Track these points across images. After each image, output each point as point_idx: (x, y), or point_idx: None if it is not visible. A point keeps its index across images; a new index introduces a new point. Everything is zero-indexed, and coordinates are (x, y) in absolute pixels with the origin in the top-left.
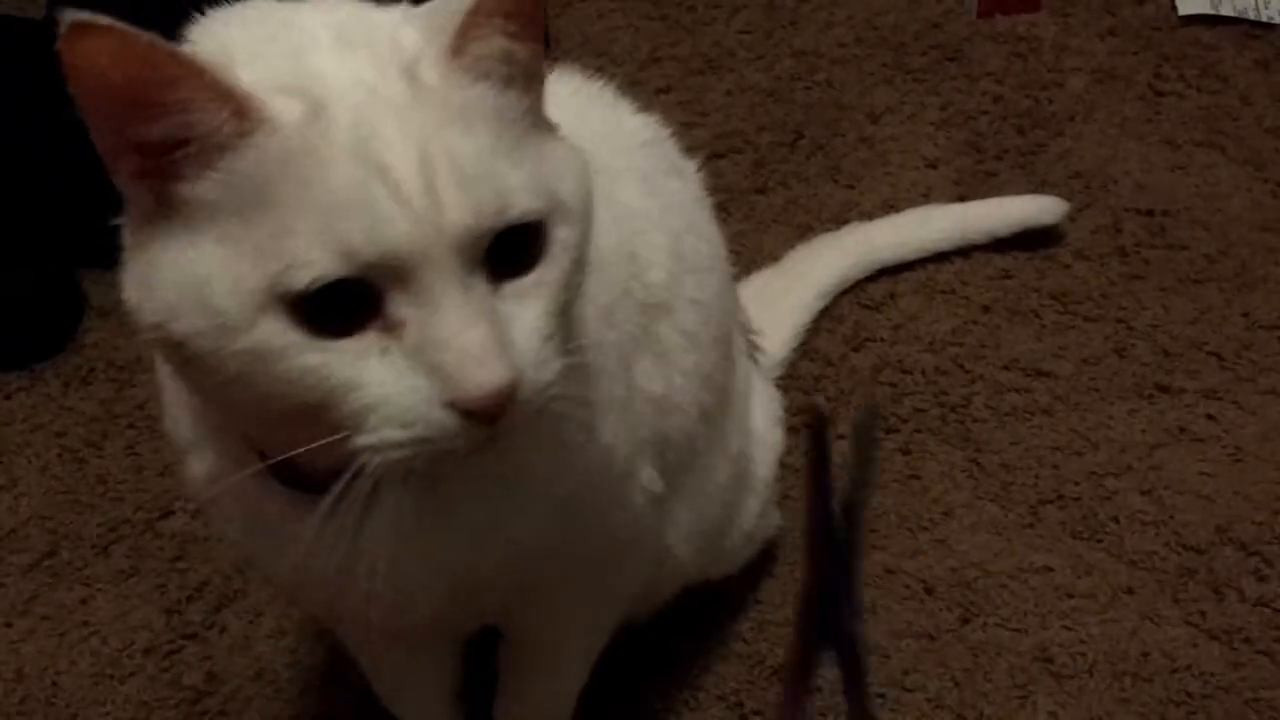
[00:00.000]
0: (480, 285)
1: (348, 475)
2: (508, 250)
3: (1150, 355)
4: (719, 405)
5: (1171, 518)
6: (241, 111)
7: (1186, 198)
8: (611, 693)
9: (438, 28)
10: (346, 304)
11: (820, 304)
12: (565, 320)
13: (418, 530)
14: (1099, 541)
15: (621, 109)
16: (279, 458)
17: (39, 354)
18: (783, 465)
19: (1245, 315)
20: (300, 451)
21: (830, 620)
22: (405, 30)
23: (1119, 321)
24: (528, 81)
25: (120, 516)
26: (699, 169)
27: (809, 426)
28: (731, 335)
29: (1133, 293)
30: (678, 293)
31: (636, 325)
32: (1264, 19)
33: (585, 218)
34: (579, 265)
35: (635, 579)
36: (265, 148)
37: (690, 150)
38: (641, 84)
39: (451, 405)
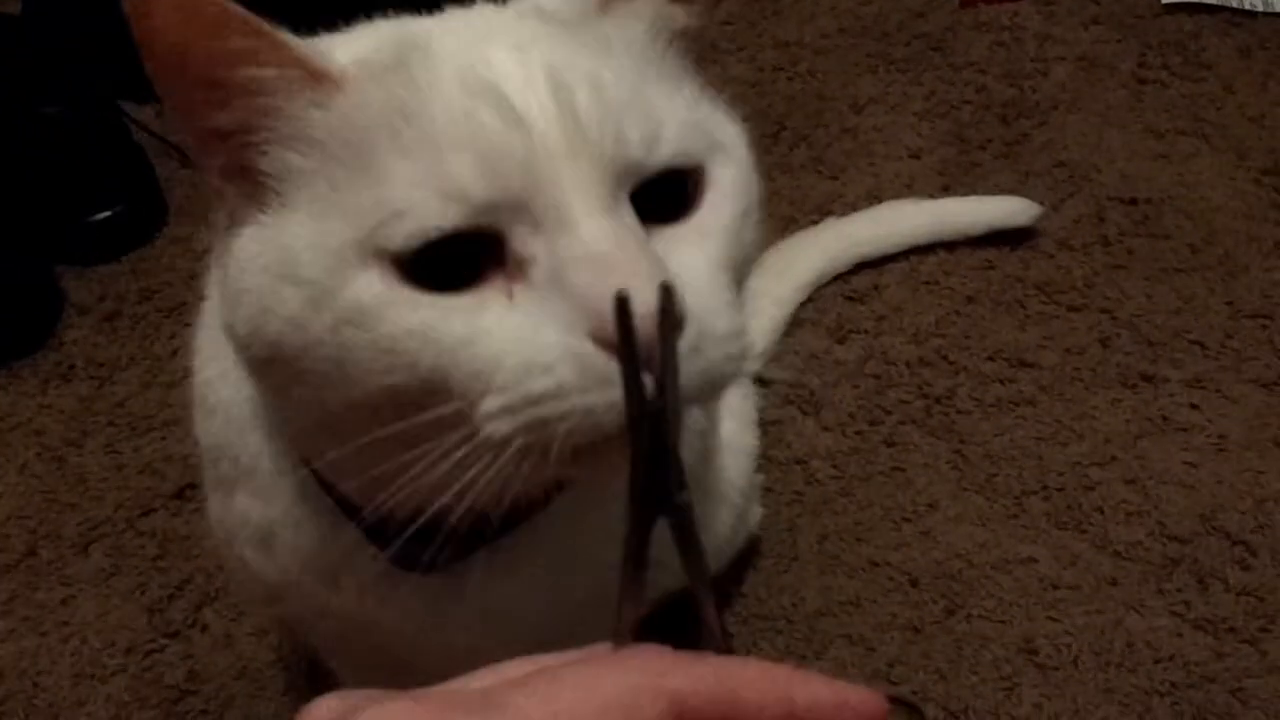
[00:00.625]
0: (628, 215)
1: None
2: (663, 200)
3: (1134, 345)
4: (711, 435)
5: (1156, 507)
6: (319, 75)
7: (1170, 186)
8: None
9: None
10: (461, 257)
11: (801, 297)
12: (738, 281)
13: (533, 578)
14: (1083, 532)
15: None
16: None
17: (16, 352)
18: (767, 458)
19: (1229, 304)
20: (397, 491)
21: (658, 491)
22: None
23: (1103, 311)
24: (679, 39)
25: (100, 515)
26: None
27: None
28: None
29: (1116, 282)
30: None
31: None
32: (1246, 6)
33: (750, 169)
34: (748, 216)
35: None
36: (347, 107)
37: None
38: None
39: (598, 332)
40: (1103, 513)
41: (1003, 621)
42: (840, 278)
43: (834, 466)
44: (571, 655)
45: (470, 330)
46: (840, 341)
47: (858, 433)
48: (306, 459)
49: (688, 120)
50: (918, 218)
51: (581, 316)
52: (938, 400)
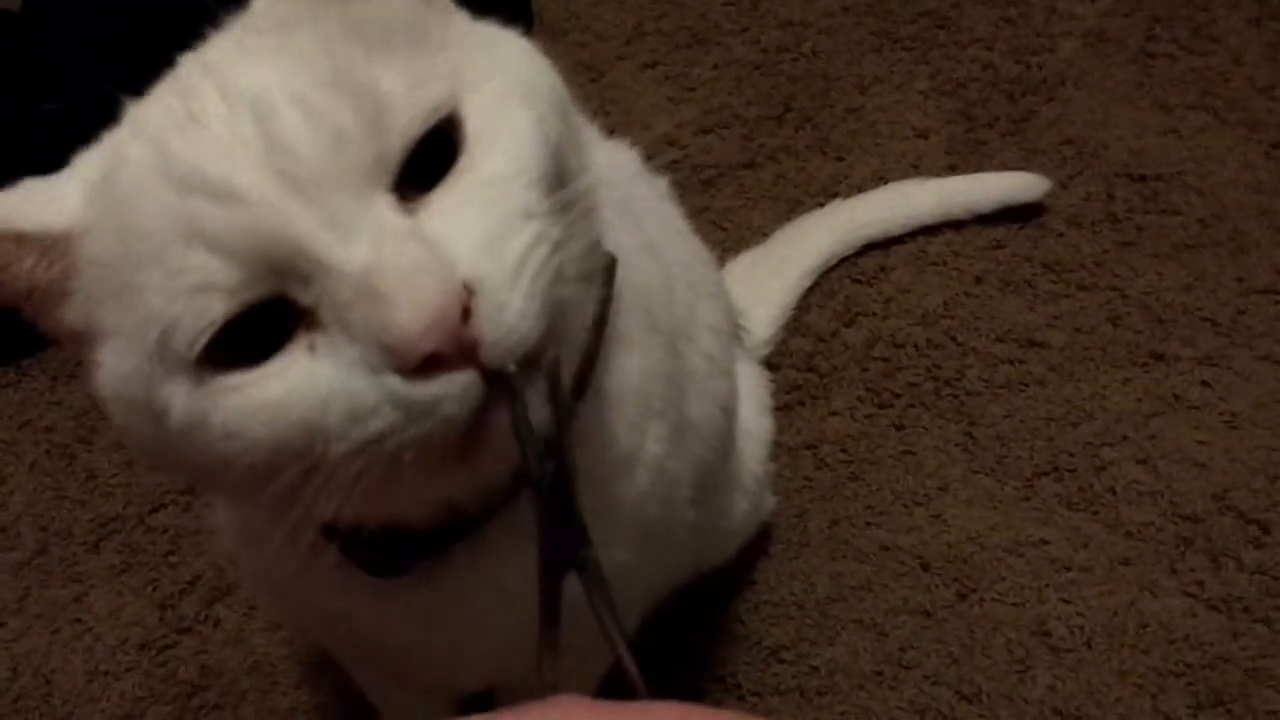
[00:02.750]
0: (382, 214)
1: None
2: (439, 157)
3: (1144, 323)
4: (731, 429)
5: (1168, 487)
6: (48, 243)
7: (1179, 162)
8: (607, 677)
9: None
10: (261, 325)
11: (807, 282)
12: (558, 184)
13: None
14: (1095, 513)
15: (609, 143)
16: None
17: (25, 349)
18: (776, 444)
19: (1239, 280)
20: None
21: (565, 549)
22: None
23: (1112, 290)
24: None
25: (111, 512)
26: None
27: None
28: (734, 360)
29: (1126, 260)
30: (697, 320)
31: (680, 354)
32: None
33: (529, 65)
34: (539, 119)
35: (641, 607)
36: (87, 249)
37: (678, 126)
38: (627, 59)
39: (399, 365)
40: (1114, 493)
41: (1015, 604)
42: (847, 260)
43: (844, 451)
44: (504, 714)
45: (287, 392)
46: (848, 324)
47: (867, 416)
48: None
49: (422, 75)
50: (925, 197)
51: (378, 355)
52: (947, 382)
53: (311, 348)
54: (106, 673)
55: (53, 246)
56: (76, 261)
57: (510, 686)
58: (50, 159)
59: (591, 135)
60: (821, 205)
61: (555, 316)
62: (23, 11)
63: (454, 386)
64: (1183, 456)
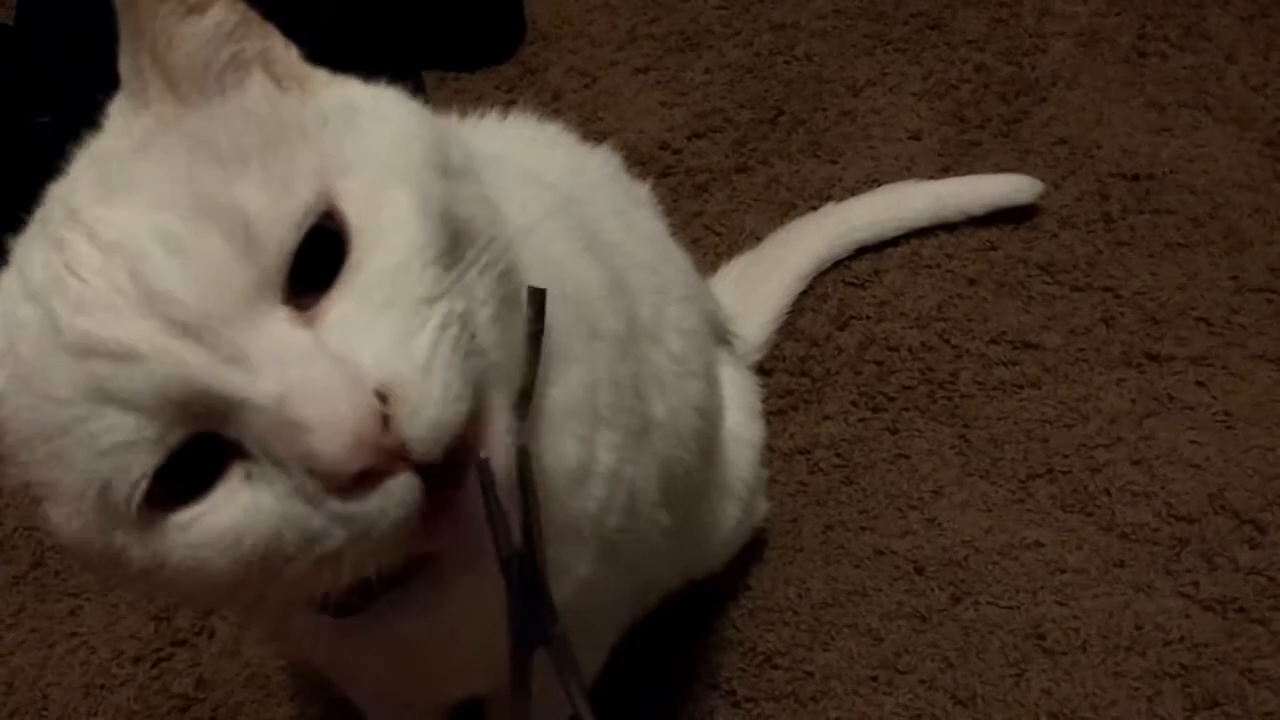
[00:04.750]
0: (280, 336)
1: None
2: (327, 252)
3: (1138, 323)
4: (712, 433)
5: (1163, 488)
6: None
7: (1172, 161)
8: (604, 685)
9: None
10: (196, 461)
11: (800, 286)
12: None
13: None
14: (1090, 515)
15: (580, 148)
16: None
17: None
18: (770, 449)
19: (1234, 278)
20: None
21: (534, 626)
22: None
23: (1106, 290)
24: (231, 70)
25: None
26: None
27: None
28: (713, 364)
29: (1120, 260)
30: (664, 323)
31: (641, 356)
32: None
33: (405, 119)
34: (410, 203)
35: (625, 616)
36: (2, 415)
37: (671, 130)
38: (620, 64)
39: (332, 487)
40: (1109, 494)
41: (1010, 607)
42: (841, 263)
43: (837, 455)
44: None
45: (236, 523)
46: (842, 328)
47: (861, 420)
48: None
49: (285, 181)
50: (918, 200)
51: (311, 480)
52: (941, 385)
53: (248, 476)
54: (102, 686)
55: None
56: (2, 426)
57: (498, 694)
58: (45, 172)
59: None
60: (814, 208)
61: (480, 381)
62: (15, 24)
63: (393, 493)
64: (1177, 457)
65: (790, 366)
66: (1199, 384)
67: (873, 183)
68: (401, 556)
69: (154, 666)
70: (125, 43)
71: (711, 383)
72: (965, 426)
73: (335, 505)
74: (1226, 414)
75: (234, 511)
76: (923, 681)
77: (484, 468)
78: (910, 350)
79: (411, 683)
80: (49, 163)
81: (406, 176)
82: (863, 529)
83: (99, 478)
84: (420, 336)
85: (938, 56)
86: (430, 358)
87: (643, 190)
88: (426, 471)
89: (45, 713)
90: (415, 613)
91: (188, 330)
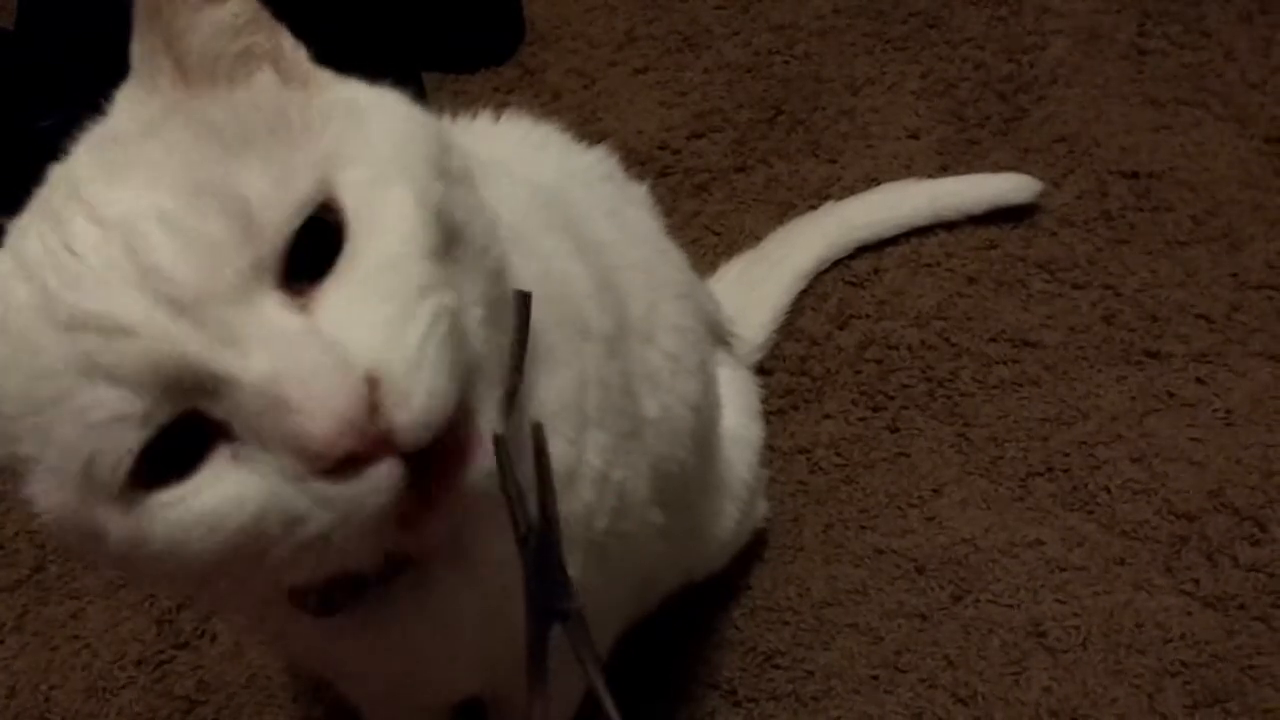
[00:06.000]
0: (273, 319)
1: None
2: (322, 241)
3: (1138, 321)
4: (707, 432)
5: (1163, 485)
6: None
7: (1171, 158)
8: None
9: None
10: (180, 441)
11: (800, 285)
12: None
13: (482, 607)
14: (1090, 512)
15: (573, 148)
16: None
17: None
18: (770, 449)
19: (1233, 276)
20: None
21: (551, 603)
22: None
23: (1106, 288)
24: (242, 63)
25: None
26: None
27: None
28: (709, 362)
29: (1119, 258)
30: (657, 320)
31: (631, 355)
32: None
33: (402, 120)
34: (408, 199)
35: (621, 618)
36: None
37: (670, 130)
38: (620, 65)
39: (318, 469)
40: (1109, 492)
41: (1010, 605)
42: (840, 263)
43: (838, 454)
44: None
45: (220, 504)
46: (841, 327)
47: (861, 419)
48: None
49: (287, 170)
50: (917, 199)
51: (296, 461)
52: (941, 384)
53: (234, 456)
54: (104, 689)
55: None
56: None
57: (497, 695)
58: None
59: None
60: (814, 208)
61: (467, 375)
62: (16, 27)
63: (378, 478)
64: (1178, 454)
65: (790, 366)
66: (1199, 381)
67: (872, 182)
68: (381, 554)
69: (156, 669)
70: (139, 28)
71: (707, 380)
72: (965, 425)
73: (319, 488)
74: (1227, 411)
75: (218, 492)
76: (923, 680)
77: (500, 443)
78: (910, 349)
79: (405, 684)
80: (51, 166)
81: (406, 173)
82: (863, 528)
83: (84, 452)
84: (412, 327)
85: (937, 55)
86: (421, 348)
87: (638, 190)
88: (411, 462)
89: (48, 716)
90: (402, 613)
91: (182, 308)
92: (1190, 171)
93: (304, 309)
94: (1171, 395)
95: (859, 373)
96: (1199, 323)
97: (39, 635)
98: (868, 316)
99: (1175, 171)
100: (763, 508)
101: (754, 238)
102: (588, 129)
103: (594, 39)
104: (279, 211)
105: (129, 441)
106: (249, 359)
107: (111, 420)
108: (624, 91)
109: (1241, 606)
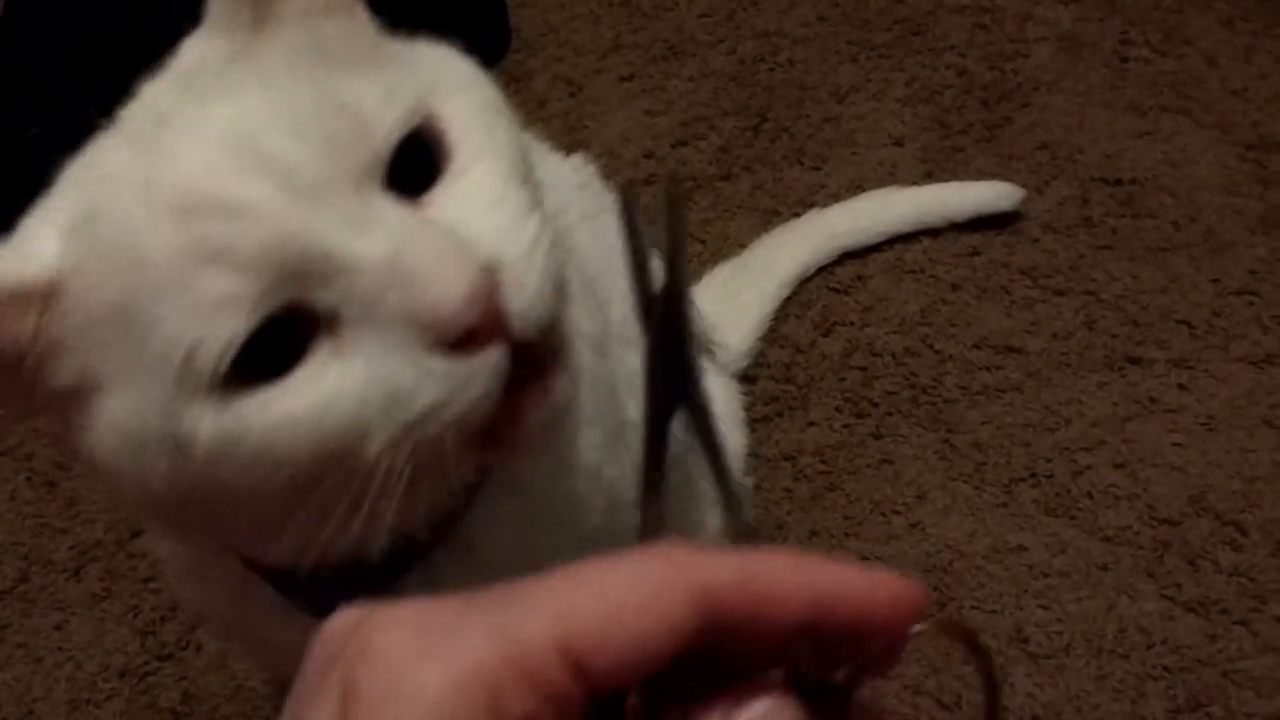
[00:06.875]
0: (389, 211)
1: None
2: (420, 164)
3: (1120, 327)
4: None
5: (1145, 490)
6: (24, 296)
7: (1153, 165)
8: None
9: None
10: (275, 344)
11: (785, 292)
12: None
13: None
14: (1073, 518)
15: (551, 156)
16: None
17: None
18: (754, 456)
19: (1215, 282)
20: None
21: (674, 381)
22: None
23: (1088, 294)
24: (336, 8)
25: (91, 539)
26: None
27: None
28: None
29: (1101, 264)
30: (634, 325)
31: (613, 357)
32: None
33: (475, 73)
34: (498, 122)
35: None
36: (77, 297)
37: (655, 138)
38: (605, 72)
39: (437, 342)
40: (1092, 498)
41: (994, 611)
42: (824, 269)
43: (822, 461)
44: (602, 560)
45: (322, 396)
46: (826, 334)
47: (845, 426)
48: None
49: (392, 83)
50: (900, 206)
51: (413, 334)
52: (924, 390)
53: (337, 350)
54: (88, 701)
55: (44, 300)
56: (67, 312)
57: None
58: (33, 185)
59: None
60: (799, 215)
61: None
62: (0, 35)
63: (488, 361)
64: (1159, 460)
65: (775, 373)
66: (1181, 387)
67: (856, 189)
68: (470, 459)
69: (140, 681)
70: None
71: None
72: (949, 431)
73: (433, 363)
74: (1208, 417)
75: (323, 384)
76: (908, 686)
77: (629, 191)
78: (894, 356)
79: None
80: (36, 176)
81: (501, 111)
82: (847, 535)
83: (189, 341)
84: (524, 231)
85: (920, 62)
86: (534, 248)
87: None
88: (515, 354)
89: None
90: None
91: (302, 193)
92: (1172, 178)
93: (415, 209)
94: (1153, 401)
95: (843, 379)
96: (1180, 328)
97: (22, 647)
98: (852, 323)
99: (1157, 178)
100: (747, 516)
101: (739, 245)
102: (573, 137)
103: (580, 46)
104: (388, 117)
105: (237, 326)
106: (371, 239)
107: (222, 302)
108: (609, 99)
109: (1223, 611)
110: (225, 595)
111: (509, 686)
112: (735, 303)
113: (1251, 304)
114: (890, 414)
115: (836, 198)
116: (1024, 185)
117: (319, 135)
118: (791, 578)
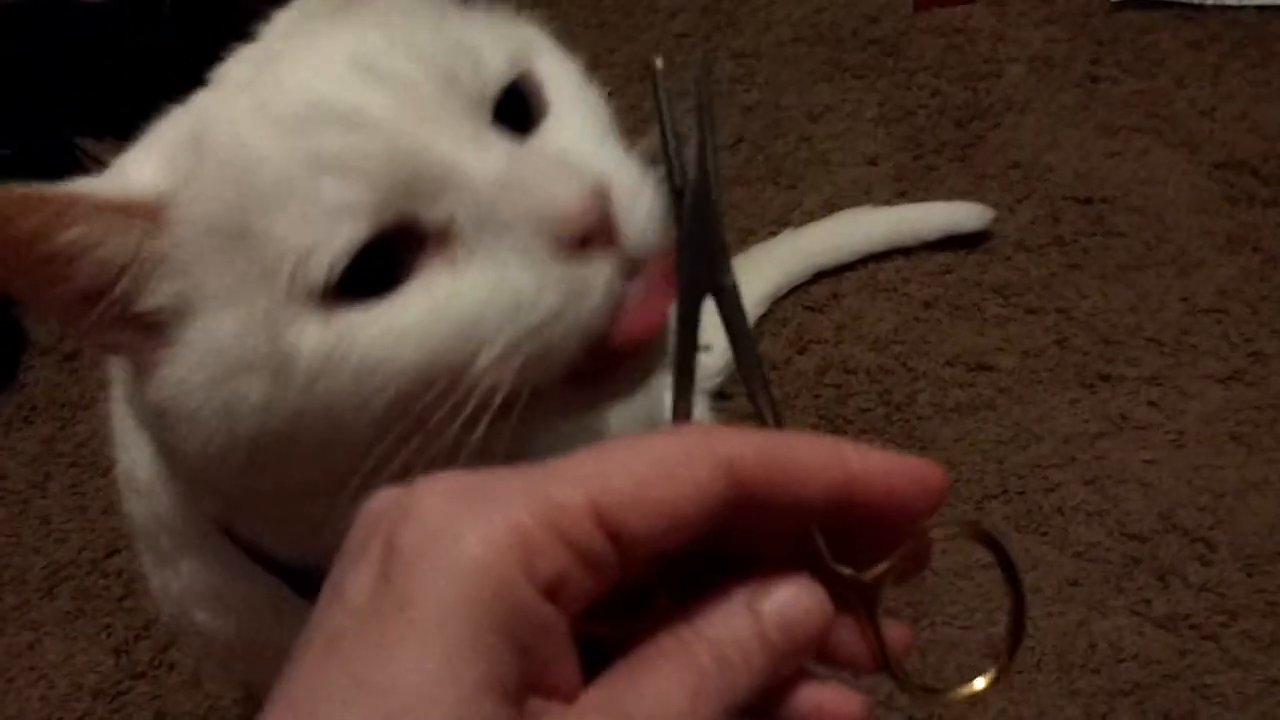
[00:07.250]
0: (503, 139)
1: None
2: (516, 115)
3: (1091, 345)
4: None
5: (1115, 507)
6: (135, 210)
7: (1123, 184)
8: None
9: None
10: (380, 264)
11: (760, 310)
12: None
13: None
14: (1044, 534)
15: None
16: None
17: None
18: None
19: (1184, 300)
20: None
21: (704, 271)
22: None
23: (1059, 312)
24: None
25: (65, 557)
26: None
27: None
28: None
29: (1072, 282)
30: None
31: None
32: (1196, 1)
33: (556, 49)
34: (585, 86)
35: None
36: (186, 216)
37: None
38: None
39: (556, 245)
40: (1063, 514)
41: (966, 628)
42: (799, 288)
43: None
44: (627, 438)
45: (434, 308)
46: (801, 352)
47: None
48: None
49: (497, 36)
50: (874, 225)
51: (532, 239)
52: (898, 407)
53: (450, 262)
54: None
55: (149, 215)
56: (171, 229)
57: None
58: None
59: None
60: (774, 234)
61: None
62: None
63: (603, 270)
64: (1130, 476)
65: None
66: (1151, 404)
67: (831, 208)
68: (566, 399)
69: (113, 700)
70: None
71: (652, 404)
72: (922, 448)
73: (551, 268)
74: (1178, 433)
75: (434, 298)
76: (882, 703)
77: (659, 76)
78: (868, 373)
79: None
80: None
81: (585, 84)
82: None
83: (301, 249)
84: (630, 165)
85: (894, 83)
86: (641, 176)
87: None
88: (627, 270)
89: None
90: None
91: (421, 109)
92: (1141, 197)
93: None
94: (1124, 418)
95: (818, 397)
96: (1150, 346)
97: None
98: (826, 341)
99: (1127, 197)
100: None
101: None
102: None
103: None
104: (497, 60)
105: (352, 234)
106: (490, 154)
107: (338, 210)
108: None
109: (1193, 626)
110: (251, 617)
111: (544, 544)
112: (710, 320)
113: (1220, 322)
114: (864, 431)
115: (811, 217)
116: (996, 204)
117: (437, 63)
118: (816, 455)
